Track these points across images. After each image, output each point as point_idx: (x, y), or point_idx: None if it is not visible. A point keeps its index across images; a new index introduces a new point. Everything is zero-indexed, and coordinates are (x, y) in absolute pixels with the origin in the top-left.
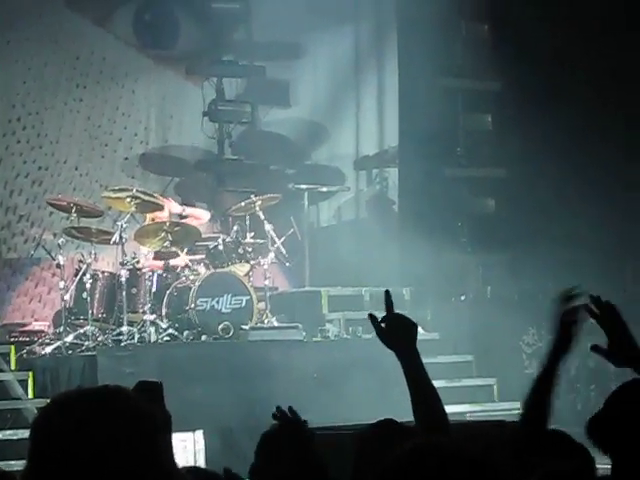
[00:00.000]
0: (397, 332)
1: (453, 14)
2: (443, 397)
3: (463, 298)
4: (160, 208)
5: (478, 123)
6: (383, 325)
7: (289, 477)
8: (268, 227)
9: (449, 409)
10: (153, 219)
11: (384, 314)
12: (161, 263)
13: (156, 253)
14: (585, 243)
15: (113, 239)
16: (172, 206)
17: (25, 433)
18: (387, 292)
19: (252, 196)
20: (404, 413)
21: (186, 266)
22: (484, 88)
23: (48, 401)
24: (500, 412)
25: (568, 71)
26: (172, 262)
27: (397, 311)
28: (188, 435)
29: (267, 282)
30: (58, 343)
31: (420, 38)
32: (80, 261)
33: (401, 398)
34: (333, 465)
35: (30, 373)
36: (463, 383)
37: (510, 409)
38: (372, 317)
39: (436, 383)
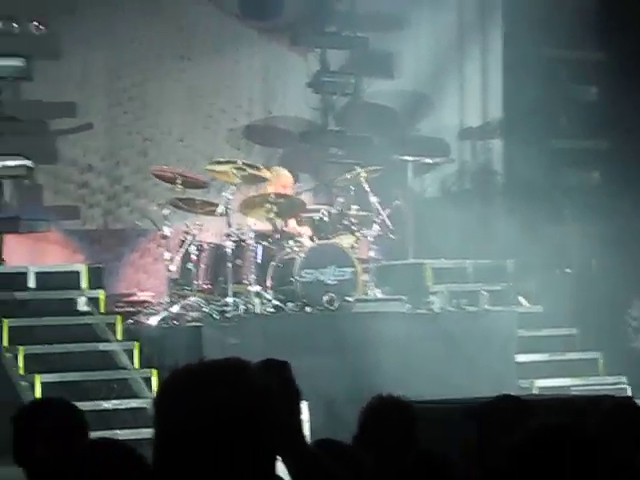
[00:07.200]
0: None
1: None
2: (547, 371)
3: (568, 270)
4: (264, 180)
5: (583, 94)
6: None
7: (392, 448)
8: (373, 199)
9: (553, 382)
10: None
11: None
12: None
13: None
14: None
15: (218, 210)
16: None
17: (131, 402)
18: None
19: (357, 167)
20: (507, 387)
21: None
22: (589, 58)
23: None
24: (605, 386)
25: None
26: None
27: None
28: None
29: (372, 254)
30: (164, 314)
31: (525, 8)
32: (185, 232)
33: (505, 371)
34: (438, 438)
35: (136, 343)
36: (567, 357)
37: (615, 383)
38: None
39: (540, 356)
